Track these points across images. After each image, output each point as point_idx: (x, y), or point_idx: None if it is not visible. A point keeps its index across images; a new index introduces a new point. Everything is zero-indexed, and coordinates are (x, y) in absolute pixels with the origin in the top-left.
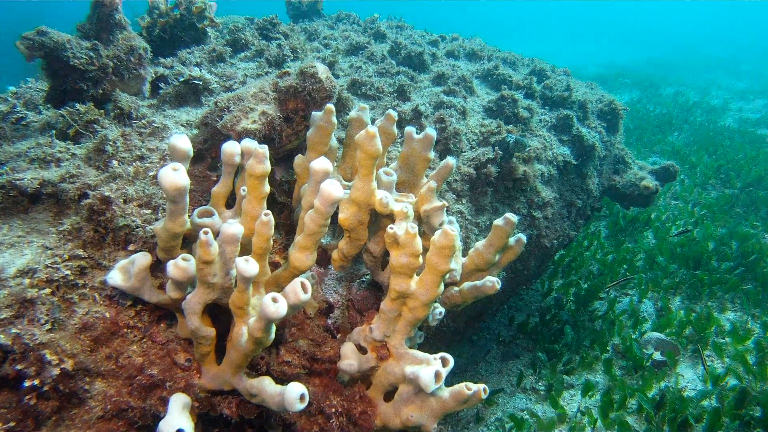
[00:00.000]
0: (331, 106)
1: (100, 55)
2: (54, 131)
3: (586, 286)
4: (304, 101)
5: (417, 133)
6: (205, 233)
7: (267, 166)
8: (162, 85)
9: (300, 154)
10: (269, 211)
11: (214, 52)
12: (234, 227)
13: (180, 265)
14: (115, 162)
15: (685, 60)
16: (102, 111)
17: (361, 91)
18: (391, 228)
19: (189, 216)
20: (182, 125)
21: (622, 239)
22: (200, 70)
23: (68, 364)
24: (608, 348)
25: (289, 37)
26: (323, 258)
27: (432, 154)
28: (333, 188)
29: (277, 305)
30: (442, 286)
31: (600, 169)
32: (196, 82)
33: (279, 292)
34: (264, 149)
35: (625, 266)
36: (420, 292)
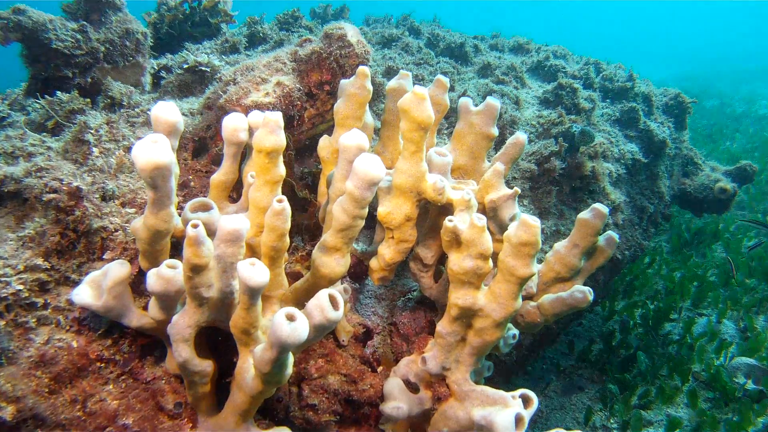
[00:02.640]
0: (365, 68)
1: (89, 38)
2: (29, 125)
3: (654, 306)
4: (331, 71)
5: (475, 105)
6: (195, 226)
7: (281, 137)
8: (165, 75)
9: (325, 136)
10: (284, 197)
11: (227, 43)
12: (235, 220)
13: (164, 275)
14: (96, 152)
15: (718, 73)
16: (88, 100)
17: None
18: (451, 221)
19: (180, 212)
20: (184, 114)
21: (688, 253)
22: (208, 55)
23: (7, 412)
24: (690, 377)
25: (313, 31)
26: (358, 271)
27: (495, 131)
28: (371, 164)
29: (294, 326)
30: (520, 299)
31: (670, 170)
32: (203, 68)
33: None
34: (277, 116)
35: (696, 283)
36: (491, 307)
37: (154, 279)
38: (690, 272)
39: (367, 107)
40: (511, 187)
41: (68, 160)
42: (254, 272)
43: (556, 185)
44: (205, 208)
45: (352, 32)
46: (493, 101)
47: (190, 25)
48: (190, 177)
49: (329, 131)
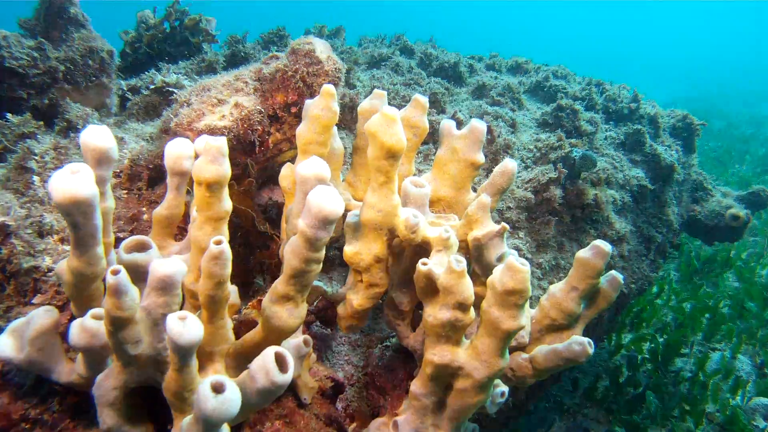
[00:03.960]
0: (330, 87)
1: (47, 56)
2: None
3: (663, 340)
4: (298, 91)
5: (458, 127)
6: (115, 273)
7: (224, 167)
8: (130, 96)
9: (288, 163)
10: (222, 237)
11: (203, 62)
12: (167, 264)
13: (88, 327)
14: (38, 181)
15: (723, 95)
16: (41, 123)
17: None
18: (425, 264)
19: (115, 250)
20: (144, 139)
21: (699, 283)
22: (177, 75)
23: None
24: (704, 419)
25: None
26: (329, 315)
27: (481, 157)
28: (326, 197)
29: (221, 399)
30: (506, 356)
31: (679, 197)
32: (171, 89)
33: (246, 366)
34: (220, 142)
35: (708, 315)
36: (473, 365)
37: (76, 331)
38: (701, 303)
39: (335, 131)
40: (500, 222)
41: (9, 190)
42: (184, 328)
43: (555, 215)
44: (143, 247)
45: (321, 47)
46: (478, 123)
47: (170, 45)
48: (144, 209)
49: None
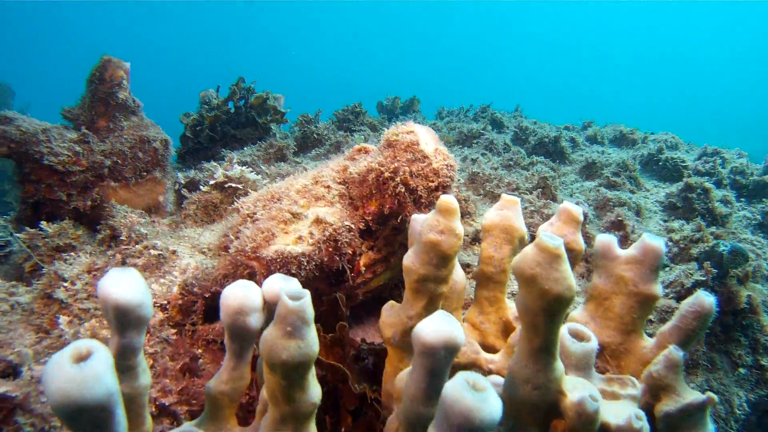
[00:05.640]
0: (450, 201)
1: (91, 150)
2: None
3: None
4: (398, 198)
5: (620, 245)
6: None
7: (309, 343)
8: (187, 194)
9: (392, 303)
10: None
11: (271, 148)
12: None
13: None
14: (64, 322)
15: None
16: (79, 233)
17: (486, 189)
18: None
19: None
20: (202, 251)
21: None
22: (241, 168)
23: None
24: None
25: (377, 129)
26: None
27: (659, 289)
28: (473, 403)
29: None
30: None
31: None
32: (235, 185)
33: None
34: (300, 304)
35: None
36: None
37: None
38: None
39: (457, 261)
40: (706, 393)
41: (31, 325)
42: None
43: None
44: None
45: (426, 137)
46: (653, 241)
47: (235, 126)
48: (200, 351)
49: (397, 289)
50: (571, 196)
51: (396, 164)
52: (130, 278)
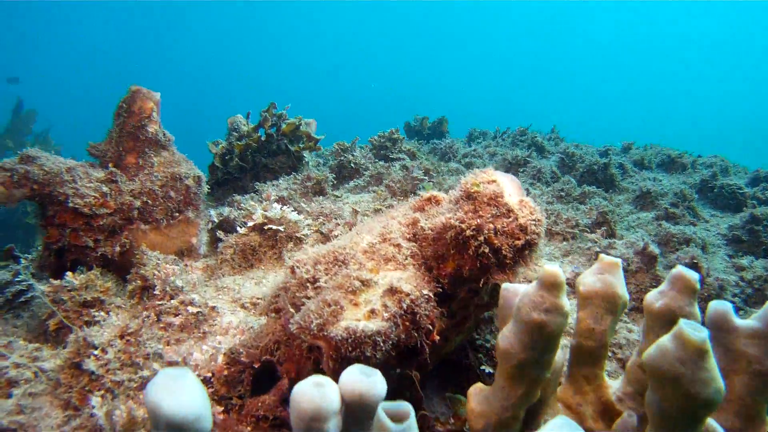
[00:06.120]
0: (555, 271)
1: (119, 190)
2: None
3: None
4: (481, 258)
5: (736, 314)
6: None
7: None
8: (222, 236)
9: (480, 386)
10: None
11: (309, 181)
12: None
13: None
14: (96, 403)
15: None
16: (108, 286)
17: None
18: None
19: None
20: (244, 306)
21: None
22: (281, 207)
23: None
24: None
25: (416, 156)
26: None
27: None
28: None
29: None
30: None
31: None
32: (275, 227)
33: None
34: (404, 425)
35: None
36: None
37: None
38: None
39: (560, 344)
40: None
41: (57, 402)
42: None
43: None
44: None
45: (510, 187)
46: None
47: (266, 155)
48: (248, 430)
49: (464, 351)
50: (628, 229)
51: (478, 220)
52: (185, 384)
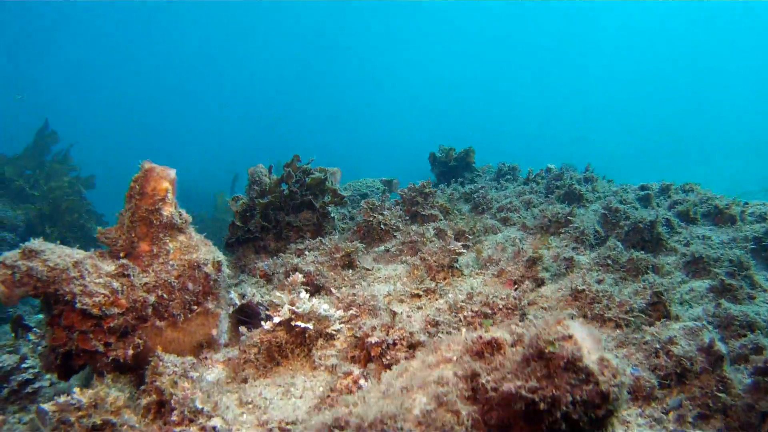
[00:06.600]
0: None
1: (132, 284)
2: None
3: None
4: (554, 427)
5: None
6: None
7: None
8: (245, 331)
9: None
10: None
11: (337, 252)
12: None
13: None
14: None
15: None
16: (120, 403)
17: (593, 312)
18: None
19: None
20: (280, 428)
21: None
22: (311, 299)
23: None
24: None
25: (449, 213)
26: None
27: None
28: None
29: None
30: None
31: None
32: (303, 325)
33: None
34: None
35: None
36: None
37: None
38: None
39: None
40: None
41: None
42: None
43: None
44: None
45: (588, 342)
46: None
47: (289, 211)
48: None
49: None
50: (681, 303)
51: (554, 392)
52: None
